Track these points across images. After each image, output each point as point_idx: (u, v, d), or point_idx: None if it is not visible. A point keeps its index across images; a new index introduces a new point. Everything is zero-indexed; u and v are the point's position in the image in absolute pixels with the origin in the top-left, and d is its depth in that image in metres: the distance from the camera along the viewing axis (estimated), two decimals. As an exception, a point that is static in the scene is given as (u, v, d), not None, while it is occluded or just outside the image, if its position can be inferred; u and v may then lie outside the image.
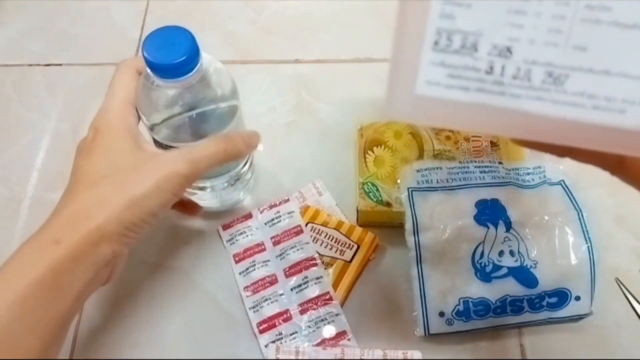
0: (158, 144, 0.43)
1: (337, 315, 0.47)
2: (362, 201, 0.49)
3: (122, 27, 0.66)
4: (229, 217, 0.52)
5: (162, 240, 0.52)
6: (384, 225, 0.50)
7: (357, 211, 0.50)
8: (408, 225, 0.47)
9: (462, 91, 0.25)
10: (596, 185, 0.53)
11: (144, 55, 0.37)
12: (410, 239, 0.47)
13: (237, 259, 0.50)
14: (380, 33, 0.63)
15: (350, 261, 0.49)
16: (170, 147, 0.42)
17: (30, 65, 0.64)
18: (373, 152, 0.51)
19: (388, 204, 0.49)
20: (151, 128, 0.42)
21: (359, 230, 0.50)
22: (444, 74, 0.25)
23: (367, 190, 0.49)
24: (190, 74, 0.38)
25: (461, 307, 0.45)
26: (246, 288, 0.49)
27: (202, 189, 0.49)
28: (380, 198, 0.49)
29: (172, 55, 0.37)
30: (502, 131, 0.28)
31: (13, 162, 0.57)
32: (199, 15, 0.66)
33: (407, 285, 0.48)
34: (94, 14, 0.67)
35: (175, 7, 0.67)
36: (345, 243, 0.50)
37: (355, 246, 0.49)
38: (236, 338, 0.47)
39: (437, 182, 0.48)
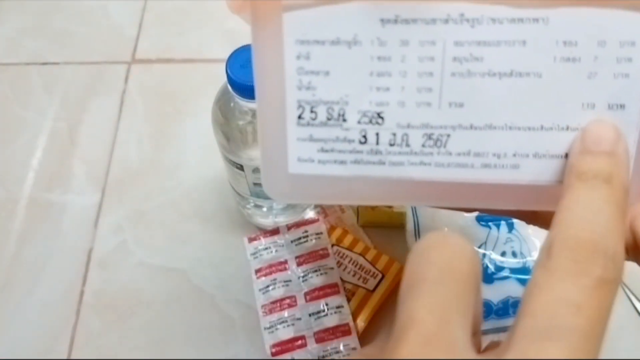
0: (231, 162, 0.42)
1: (353, 349, 0.45)
2: (363, 201, 0.49)
3: (119, 25, 0.65)
4: (255, 229, 0.51)
5: (161, 242, 0.52)
6: (385, 226, 0.50)
7: (358, 211, 0.50)
8: (409, 226, 0.47)
9: (338, 165, 0.23)
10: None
11: (226, 71, 0.36)
12: (411, 240, 0.46)
13: (258, 274, 0.49)
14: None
15: (373, 291, 0.47)
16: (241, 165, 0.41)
17: (27, 64, 0.63)
18: (373, 151, 0.51)
19: (389, 205, 0.48)
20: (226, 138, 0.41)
21: (385, 258, 0.48)
22: (315, 149, 0.23)
23: (368, 191, 0.49)
24: None
25: (463, 309, 0.45)
26: (264, 307, 0.47)
27: (257, 207, 0.48)
28: (380, 198, 0.48)
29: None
30: (390, 201, 0.25)
31: (9, 162, 0.57)
32: (197, 14, 0.65)
33: (408, 286, 0.47)
34: (91, 12, 0.67)
35: (173, 6, 0.66)
36: (370, 271, 0.47)
37: (380, 275, 0.47)
38: (236, 342, 0.47)
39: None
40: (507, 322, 0.45)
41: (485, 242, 0.46)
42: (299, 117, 0.22)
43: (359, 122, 0.22)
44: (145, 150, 0.57)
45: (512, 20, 0.20)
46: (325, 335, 0.45)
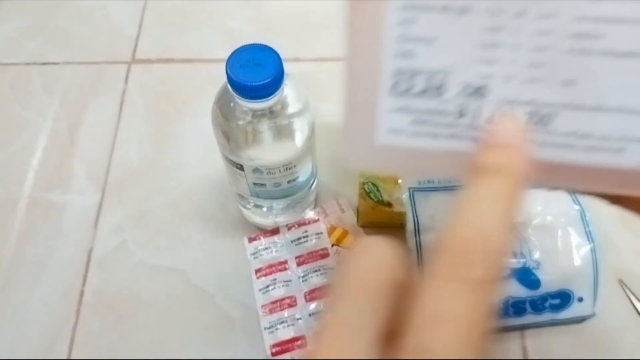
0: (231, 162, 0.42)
1: None
2: (363, 201, 0.48)
3: (119, 25, 0.65)
4: (255, 229, 0.51)
5: (161, 242, 0.52)
6: (385, 225, 0.50)
7: (358, 211, 0.49)
8: (409, 226, 0.46)
9: (431, 138, 0.22)
10: (599, 185, 0.52)
11: (226, 71, 0.36)
12: (411, 240, 0.46)
13: (258, 274, 0.49)
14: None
15: None
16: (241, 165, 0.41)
17: (27, 63, 0.63)
18: (373, 151, 0.51)
19: (389, 204, 0.48)
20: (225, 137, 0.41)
21: None
22: (408, 121, 0.22)
23: (368, 190, 0.49)
24: (270, 97, 0.37)
25: (463, 309, 0.44)
26: (264, 307, 0.47)
27: (258, 206, 0.48)
28: (380, 198, 0.48)
29: (254, 76, 0.36)
30: None
31: (9, 162, 0.57)
32: (197, 14, 0.65)
33: (408, 286, 0.47)
34: (91, 12, 0.67)
35: (173, 5, 0.66)
36: None
37: None
38: (236, 342, 0.47)
39: (439, 181, 0.48)
40: (508, 322, 0.45)
41: (486, 242, 0.46)
42: (394, 86, 0.21)
43: (458, 95, 0.21)
44: (146, 150, 0.56)
45: None
46: None
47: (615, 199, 0.27)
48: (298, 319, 0.46)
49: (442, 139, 0.22)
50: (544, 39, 0.20)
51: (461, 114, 0.21)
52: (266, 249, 0.50)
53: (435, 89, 0.21)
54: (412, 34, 0.20)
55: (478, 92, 0.21)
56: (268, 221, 0.50)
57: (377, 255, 0.19)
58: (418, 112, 0.21)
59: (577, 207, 0.47)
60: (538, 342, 0.46)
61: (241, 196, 0.48)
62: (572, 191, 0.26)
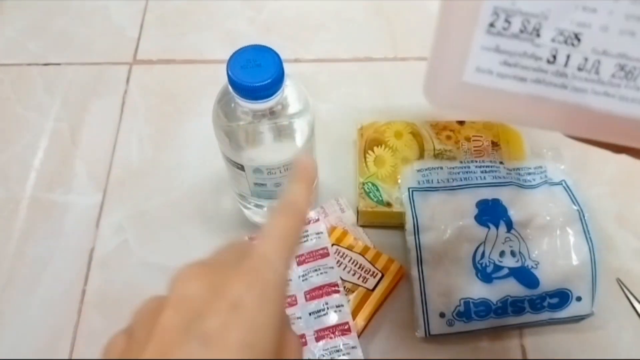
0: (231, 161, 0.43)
1: (353, 347, 0.45)
2: (362, 201, 0.49)
3: (120, 26, 0.65)
4: (256, 229, 0.51)
5: (162, 242, 0.52)
6: (384, 225, 0.50)
7: (357, 211, 0.50)
8: (408, 226, 0.47)
9: (517, 81, 0.22)
10: (598, 185, 0.53)
11: (227, 72, 0.36)
12: (410, 240, 0.47)
13: None
14: (381, 32, 0.63)
15: (373, 290, 0.47)
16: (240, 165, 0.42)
17: (29, 64, 0.63)
18: (373, 151, 0.51)
19: (388, 204, 0.48)
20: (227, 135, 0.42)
21: (384, 258, 0.48)
22: (498, 61, 0.22)
23: (368, 190, 0.49)
24: (271, 98, 0.37)
25: (462, 308, 0.45)
26: None
27: (258, 206, 0.48)
28: (380, 198, 0.49)
29: (255, 77, 0.36)
30: (560, 128, 0.24)
31: (11, 162, 0.57)
32: (198, 15, 0.65)
33: (407, 286, 0.47)
34: (93, 13, 0.67)
35: (174, 7, 0.67)
36: (370, 270, 0.48)
37: (380, 275, 0.47)
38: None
39: (438, 182, 0.48)
40: (506, 321, 0.45)
41: (484, 242, 0.46)
42: (491, 24, 0.21)
43: (552, 40, 0.21)
44: (147, 150, 0.57)
45: None
46: (325, 334, 0.45)
47: (623, 148, 0.26)
48: (298, 318, 0.46)
49: (529, 84, 0.22)
50: None
51: (551, 60, 0.22)
52: None
53: (530, 32, 0.21)
54: None
55: (572, 39, 0.21)
56: None
57: None
58: (509, 54, 0.22)
59: (575, 207, 0.48)
60: (536, 341, 0.47)
61: (242, 196, 0.48)
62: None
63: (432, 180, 0.48)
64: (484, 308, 0.45)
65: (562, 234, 0.47)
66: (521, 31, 0.21)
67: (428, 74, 0.23)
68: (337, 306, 0.46)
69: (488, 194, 0.47)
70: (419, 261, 0.46)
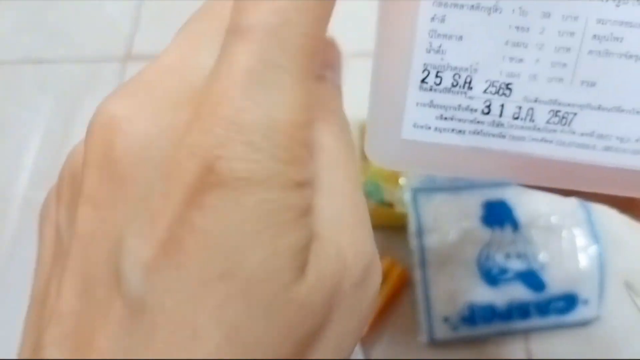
0: None
1: (355, 352, 0.44)
2: (364, 202, 0.48)
3: (115, 23, 0.64)
4: None
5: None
6: (386, 227, 0.49)
7: (359, 212, 0.49)
8: (411, 227, 0.46)
9: (456, 134, 0.22)
10: (604, 185, 0.52)
11: None
12: (413, 241, 0.46)
13: None
14: (381, 28, 0.62)
15: None
16: None
17: (21, 61, 0.62)
18: (375, 151, 0.50)
19: (390, 205, 0.48)
20: None
21: (386, 260, 0.47)
22: (434, 116, 0.22)
23: (369, 191, 0.48)
24: None
25: (466, 312, 0.44)
26: None
27: None
28: (382, 198, 0.48)
29: None
30: (504, 176, 0.24)
31: (2, 161, 0.56)
32: (194, 10, 0.64)
33: (410, 289, 0.46)
34: (87, 9, 0.66)
35: (169, 2, 0.65)
36: None
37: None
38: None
39: (442, 181, 0.48)
40: (512, 325, 0.44)
41: (490, 244, 0.45)
42: (423, 81, 0.22)
43: (485, 92, 0.21)
44: (142, 149, 0.56)
45: None
46: None
47: (625, 207, 0.27)
48: None
49: (467, 136, 0.22)
50: (568, 40, 0.20)
51: (486, 111, 0.22)
52: None
53: (462, 86, 0.21)
54: (442, 30, 0.21)
55: (504, 89, 0.21)
56: None
57: None
58: (444, 108, 0.22)
59: (582, 208, 0.47)
60: (542, 345, 0.46)
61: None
62: (588, 198, 0.27)
63: (435, 180, 0.47)
64: (489, 312, 0.44)
65: (569, 235, 0.46)
66: (453, 85, 0.21)
67: (369, 134, 0.23)
68: None
69: (493, 194, 0.47)
70: (422, 264, 0.45)
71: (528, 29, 0.20)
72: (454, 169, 0.24)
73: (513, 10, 0.20)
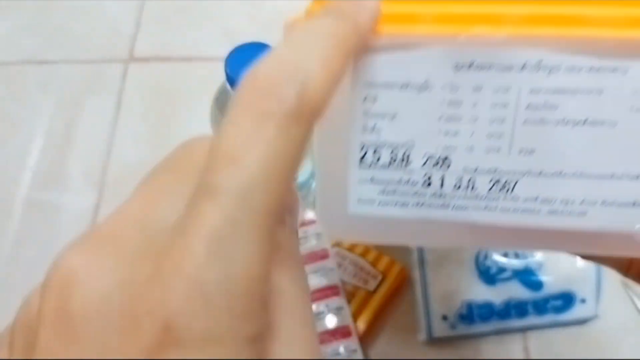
0: None
1: (353, 351, 0.44)
2: (363, 202, 0.48)
3: (117, 23, 0.65)
4: None
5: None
6: (386, 226, 0.50)
7: (358, 212, 0.49)
8: (410, 227, 0.46)
9: (400, 207, 0.23)
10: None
11: (225, 69, 0.36)
12: (412, 241, 0.46)
13: None
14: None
15: (374, 292, 0.46)
16: None
17: (23, 62, 0.62)
18: (374, 151, 0.50)
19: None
20: None
21: (385, 259, 0.47)
22: (377, 191, 0.22)
23: (368, 191, 0.48)
24: None
25: (465, 311, 0.44)
26: None
27: None
28: (381, 198, 0.48)
29: None
30: (451, 243, 0.25)
31: (4, 162, 0.56)
32: (196, 12, 0.65)
33: (409, 288, 0.47)
34: (88, 10, 0.66)
35: (171, 3, 0.66)
36: (370, 272, 0.47)
37: (381, 277, 0.47)
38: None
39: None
40: (510, 323, 0.45)
41: (488, 243, 0.45)
42: (362, 159, 0.22)
43: (423, 165, 0.22)
44: (143, 149, 0.56)
45: (590, 69, 0.20)
46: (325, 337, 0.45)
47: (586, 256, 0.27)
48: None
49: (411, 208, 0.23)
50: (501, 111, 0.20)
51: (427, 184, 0.22)
52: None
53: (401, 161, 0.22)
54: (375, 109, 0.21)
55: (442, 162, 0.22)
56: None
57: None
58: (386, 183, 0.22)
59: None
60: (540, 343, 0.46)
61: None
62: (591, 260, 0.27)
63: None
64: (487, 310, 0.44)
65: (567, 235, 0.46)
66: (392, 161, 0.22)
67: (319, 209, 0.23)
68: (337, 309, 0.46)
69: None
70: (421, 263, 0.46)
71: (460, 103, 0.21)
72: (402, 239, 0.24)
73: (443, 87, 0.20)
